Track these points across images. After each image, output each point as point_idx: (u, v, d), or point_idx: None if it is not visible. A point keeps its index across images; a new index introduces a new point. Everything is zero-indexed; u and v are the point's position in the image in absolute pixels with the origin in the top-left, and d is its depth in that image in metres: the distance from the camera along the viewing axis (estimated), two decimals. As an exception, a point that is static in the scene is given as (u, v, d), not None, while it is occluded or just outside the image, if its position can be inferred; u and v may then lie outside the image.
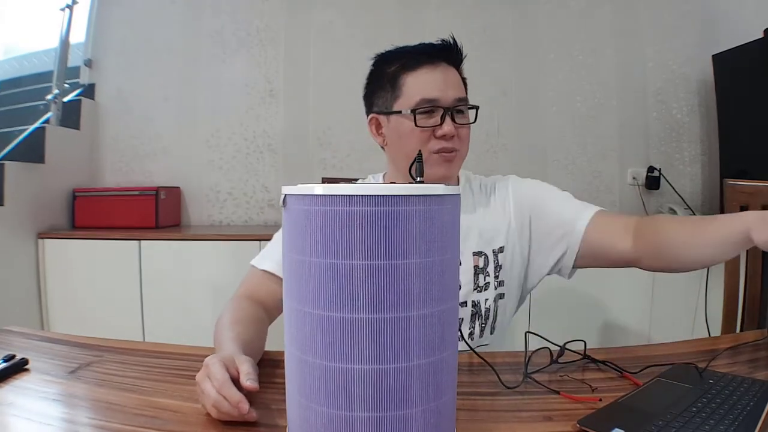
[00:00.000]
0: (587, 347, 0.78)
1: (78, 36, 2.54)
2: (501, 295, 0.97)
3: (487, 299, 0.95)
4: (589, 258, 0.93)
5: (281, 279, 0.54)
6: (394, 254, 0.44)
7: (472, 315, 0.94)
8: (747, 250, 1.17)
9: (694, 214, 2.18)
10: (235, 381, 0.58)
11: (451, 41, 0.92)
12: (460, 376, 0.52)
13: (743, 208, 1.16)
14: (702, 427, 0.54)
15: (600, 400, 0.63)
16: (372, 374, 0.44)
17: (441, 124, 0.88)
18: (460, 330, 0.87)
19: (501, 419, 0.60)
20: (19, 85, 3.00)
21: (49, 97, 2.33)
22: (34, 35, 3.12)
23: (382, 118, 0.95)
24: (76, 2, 2.41)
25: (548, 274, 0.99)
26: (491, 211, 0.99)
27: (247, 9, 2.54)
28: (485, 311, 0.94)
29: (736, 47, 2.19)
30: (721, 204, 2.09)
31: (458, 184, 1.01)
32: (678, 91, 2.53)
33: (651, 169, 2.48)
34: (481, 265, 0.95)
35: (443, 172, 0.91)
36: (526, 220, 0.98)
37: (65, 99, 2.40)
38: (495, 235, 0.97)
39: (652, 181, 2.47)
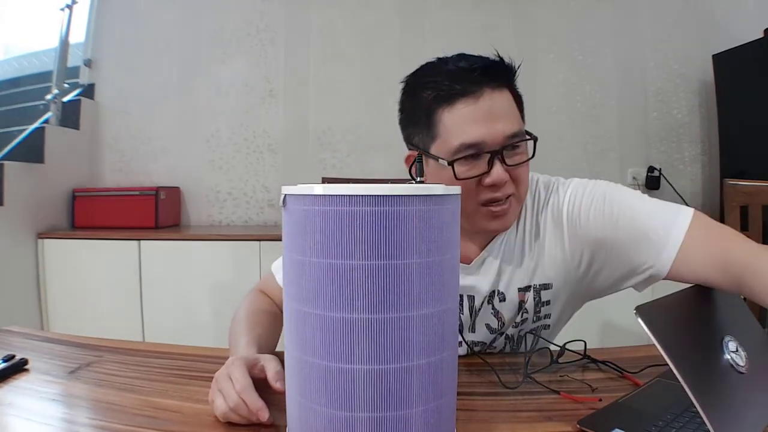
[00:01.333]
0: (587, 347, 0.78)
1: (78, 36, 2.54)
2: (545, 326, 0.86)
3: (522, 330, 0.85)
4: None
5: None
6: (394, 254, 0.44)
7: (505, 343, 0.87)
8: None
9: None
10: (256, 383, 0.58)
11: (497, 59, 0.76)
12: (459, 376, 0.52)
13: (743, 209, 1.15)
14: (702, 428, 0.54)
15: (600, 400, 0.63)
16: (372, 374, 0.44)
17: (489, 170, 0.72)
18: (460, 331, 0.86)
19: (501, 419, 0.60)
20: (19, 85, 3.00)
21: (48, 97, 2.33)
22: (33, 35, 3.11)
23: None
24: (76, 2, 2.41)
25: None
26: (540, 244, 0.82)
27: (247, 9, 2.54)
28: (518, 339, 0.87)
29: (736, 47, 2.19)
30: (721, 204, 2.09)
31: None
32: (678, 91, 2.53)
33: (651, 169, 2.48)
34: (525, 300, 0.83)
35: (494, 227, 0.77)
36: (586, 256, 0.79)
37: (65, 99, 2.40)
38: (539, 270, 0.82)
39: (652, 181, 2.47)
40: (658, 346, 0.48)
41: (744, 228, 1.15)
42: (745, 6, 2.45)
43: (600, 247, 0.77)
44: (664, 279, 0.73)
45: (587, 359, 0.77)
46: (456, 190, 0.49)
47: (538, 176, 0.87)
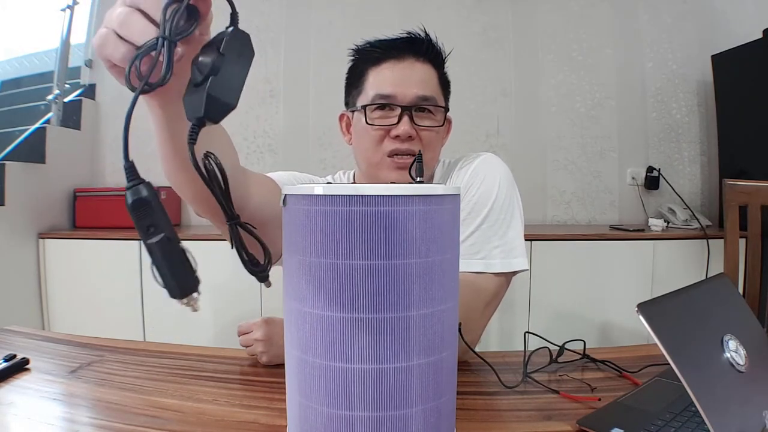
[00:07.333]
0: (586, 347, 0.78)
1: (79, 36, 2.55)
2: None
3: None
4: None
5: (277, 185, 0.63)
6: (394, 254, 0.44)
7: None
8: (746, 248, 1.16)
9: (694, 214, 2.18)
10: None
11: (421, 34, 0.85)
12: (459, 376, 0.52)
13: (742, 209, 1.16)
14: (701, 427, 0.54)
15: (599, 399, 0.63)
16: (372, 374, 0.44)
17: (397, 123, 0.81)
18: (459, 330, 0.86)
19: (500, 419, 0.60)
20: (20, 85, 3.01)
21: (50, 97, 2.33)
22: (35, 36, 3.12)
23: (349, 115, 0.90)
24: (77, 3, 2.42)
25: None
26: None
27: (247, 9, 2.54)
28: None
29: (735, 47, 2.19)
30: (720, 204, 2.10)
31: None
32: (677, 91, 2.53)
33: (650, 169, 2.48)
34: None
35: (395, 178, 0.82)
36: None
37: (66, 99, 2.40)
38: None
39: (652, 181, 2.47)
40: (659, 344, 0.48)
41: (743, 228, 1.16)
42: (744, 6, 2.45)
43: None
44: None
45: (586, 359, 0.78)
46: (456, 190, 0.49)
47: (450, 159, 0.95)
